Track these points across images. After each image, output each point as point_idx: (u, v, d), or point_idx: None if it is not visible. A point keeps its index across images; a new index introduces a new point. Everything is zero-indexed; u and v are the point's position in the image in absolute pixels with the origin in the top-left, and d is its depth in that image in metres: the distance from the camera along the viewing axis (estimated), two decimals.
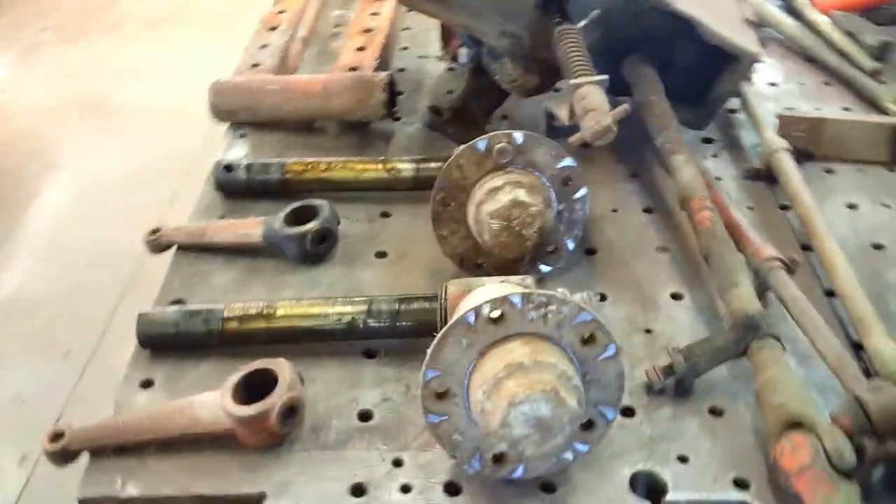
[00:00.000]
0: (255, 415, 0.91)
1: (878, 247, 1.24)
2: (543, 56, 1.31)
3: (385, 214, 1.32)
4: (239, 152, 1.48)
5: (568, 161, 1.11)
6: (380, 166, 1.32)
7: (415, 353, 1.04)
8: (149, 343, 1.05)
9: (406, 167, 1.31)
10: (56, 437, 0.93)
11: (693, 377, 0.98)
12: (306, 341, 1.05)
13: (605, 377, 0.86)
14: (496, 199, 1.07)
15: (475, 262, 1.16)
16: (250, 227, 1.23)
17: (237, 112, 1.53)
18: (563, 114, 1.18)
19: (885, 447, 0.85)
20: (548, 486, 0.90)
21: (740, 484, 0.90)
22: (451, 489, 0.90)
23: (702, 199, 1.12)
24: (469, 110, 1.43)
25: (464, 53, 1.70)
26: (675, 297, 1.15)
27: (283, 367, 0.95)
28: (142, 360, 1.06)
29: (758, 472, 0.90)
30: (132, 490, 0.91)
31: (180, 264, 1.22)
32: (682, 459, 0.92)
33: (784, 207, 1.33)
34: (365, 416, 0.98)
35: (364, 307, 1.04)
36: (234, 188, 1.35)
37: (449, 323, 0.84)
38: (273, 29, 1.78)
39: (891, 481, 0.88)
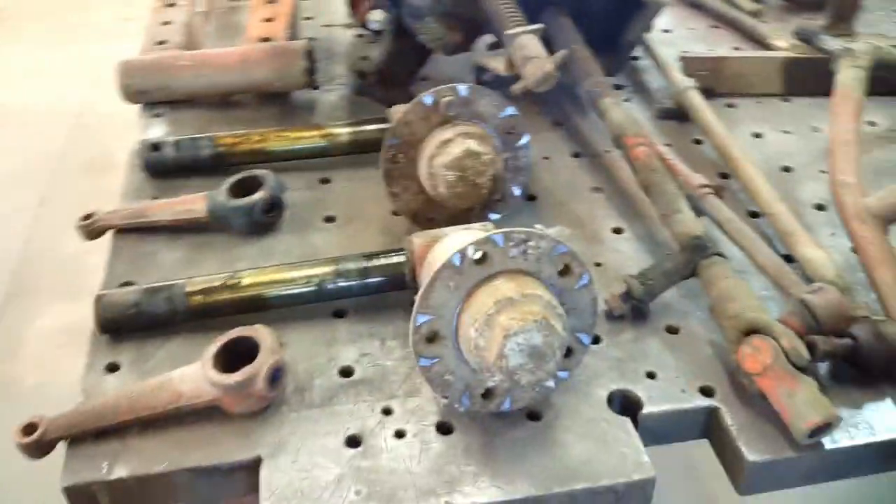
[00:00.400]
0: (243, 380, 0.90)
1: (786, 169, 1.36)
2: (464, 13, 1.34)
3: (325, 181, 1.32)
4: (158, 132, 1.44)
5: (510, 110, 1.15)
6: (315, 133, 1.32)
7: (384, 307, 1.07)
8: (109, 327, 1.02)
9: (343, 132, 1.32)
10: (30, 429, 0.90)
11: (649, 300, 1.05)
12: (275, 308, 1.05)
13: (581, 305, 0.91)
14: (448, 151, 1.09)
15: (427, 216, 1.18)
16: (193, 202, 1.20)
17: (150, 91, 1.48)
18: (498, 66, 1.21)
19: (832, 342, 0.95)
20: (533, 415, 0.94)
21: (706, 392, 0.97)
22: (443, 429, 0.93)
23: (635, 135, 1.19)
24: (394, 72, 1.44)
25: (374, 18, 1.71)
26: (617, 231, 1.22)
27: (262, 333, 0.95)
28: (102, 344, 1.03)
29: (720, 379, 0.98)
30: (121, 471, 0.88)
31: (121, 247, 1.18)
32: (651, 376, 0.99)
33: (697, 142, 1.42)
34: (346, 372, 1.00)
35: (331, 267, 1.05)
36: (163, 167, 1.31)
37: (437, 267, 0.86)
38: (171, 5, 1.72)
39: (835, 373, 0.98)
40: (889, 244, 1.06)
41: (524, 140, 1.17)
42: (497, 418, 0.94)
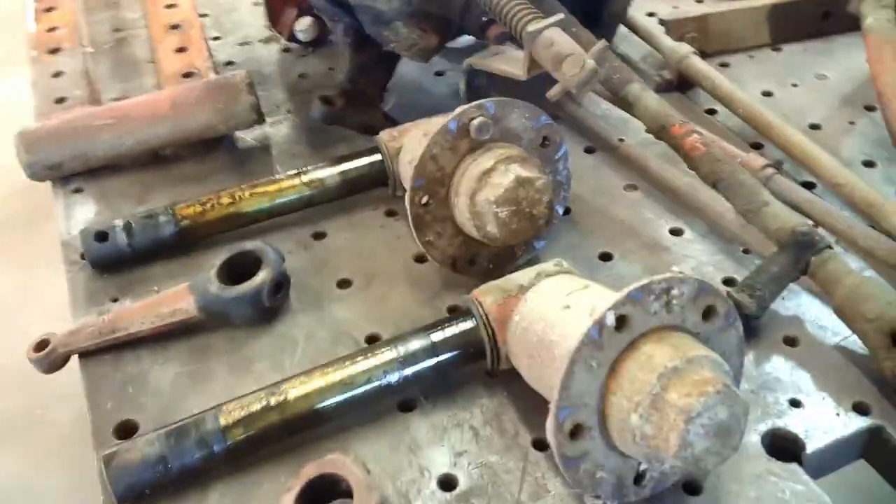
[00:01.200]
0: None
1: (814, 127, 1.24)
2: (436, 11, 1.14)
3: (319, 235, 1.10)
4: (86, 214, 1.16)
5: (544, 119, 0.97)
6: (297, 182, 1.09)
7: (456, 386, 0.88)
8: (129, 495, 0.78)
9: (329, 174, 1.10)
10: None
11: (762, 314, 0.91)
12: (332, 420, 0.83)
13: (728, 348, 0.76)
14: (494, 182, 0.90)
15: (468, 259, 0.99)
16: (176, 299, 0.95)
17: (64, 163, 1.19)
18: (512, 69, 1.02)
19: None
20: (690, 486, 0.78)
21: (861, 409, 0.84)
22: None
23: (682, 123, 1.04)
24: (361, 90, 1.22)
25: (301, 28, 1.47)
26: (675, 232, 1.07)
27: (346, 467, 0.74)
28: None
29: (870, 391, 0.85)
30: None
31: (98, 376, 0.93)
32: (795, 404, 0.85)
33: (709, 111, 1.29)
34: (448, 483, 0.80)
35: (392, 354, 0.84)
36: (116, 259, 1.05)
37: (572, 346, 0.68)
38: (56, 51, 1.42)
39: None
40: None
41: (562, 150, 1.00)
42: (651, 501, 0.77)
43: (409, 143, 1.04)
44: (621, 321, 0.69)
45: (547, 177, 0.93)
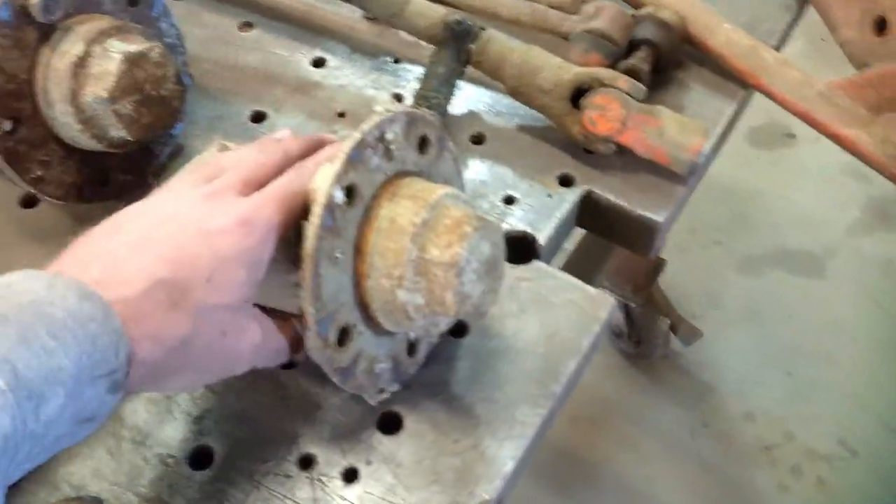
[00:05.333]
0: None
1: None
2: None
3: None
4: None
5: None
6: None
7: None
8: None
9: None
10: None
11: (445, 118, 0.84)
12: None
13: (448, 172, 0.67)
14: (97, 73, 0.67)
15: (96, 180, 0.76)
16: None
17: None
18: None
19: (642, 59, 0.85)
20: (457, 331, 0.72)
21: (566, 181, 0.83)
22: (389, 428, 0.66)
23: None
24: None
25: None
26: (318, 63, 0.93)
27: None
28: None
29: (566, 161, 0.84)
30: None
31: None
32: (509, 201, 0.81)
33: None
34: (202, 456, 0.64)
35: None
36: None
37: (312, 244, 0.54)
38: None
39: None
40: None
41: (160, 4, 0.78)
42: (424, 377, 0.69)
43: None
44: (350, 193, 0.56)
45: (159, 44, 0.72)
